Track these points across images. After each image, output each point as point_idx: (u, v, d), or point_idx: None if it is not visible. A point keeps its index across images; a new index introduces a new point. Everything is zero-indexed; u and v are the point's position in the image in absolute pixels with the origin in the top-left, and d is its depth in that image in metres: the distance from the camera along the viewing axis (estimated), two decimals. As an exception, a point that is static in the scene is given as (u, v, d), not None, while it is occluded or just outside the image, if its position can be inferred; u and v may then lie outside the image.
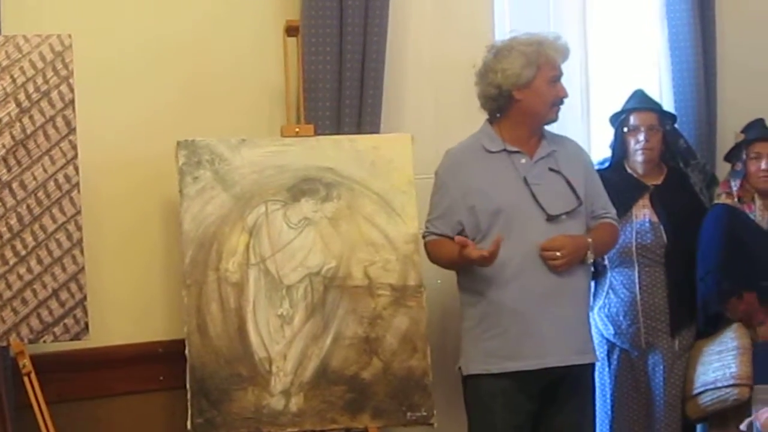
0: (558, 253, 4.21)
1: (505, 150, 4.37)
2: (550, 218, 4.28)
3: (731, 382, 4.66)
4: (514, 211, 4.27)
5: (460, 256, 4.21)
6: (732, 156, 5.10)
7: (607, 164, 5.07)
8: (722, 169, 5.44)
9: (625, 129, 5.04)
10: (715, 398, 4.71)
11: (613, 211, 4.54)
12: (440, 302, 4.96)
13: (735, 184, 5.00)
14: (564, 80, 4.42)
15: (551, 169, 4.37)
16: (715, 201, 5.09)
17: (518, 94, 4.33)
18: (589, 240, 4.30)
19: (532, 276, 4.24)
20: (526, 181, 4.31)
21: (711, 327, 4.87)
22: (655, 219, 4.91)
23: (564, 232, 4.27)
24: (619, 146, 5.09)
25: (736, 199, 4.98)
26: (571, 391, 4.32)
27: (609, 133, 5.18)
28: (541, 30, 4.51)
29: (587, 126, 5.63)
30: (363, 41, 4.84)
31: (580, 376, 4.36)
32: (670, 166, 5.14)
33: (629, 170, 5.05)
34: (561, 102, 4.40)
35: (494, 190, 4.31)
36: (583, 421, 4.41)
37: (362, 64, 4.85)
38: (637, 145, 5.00)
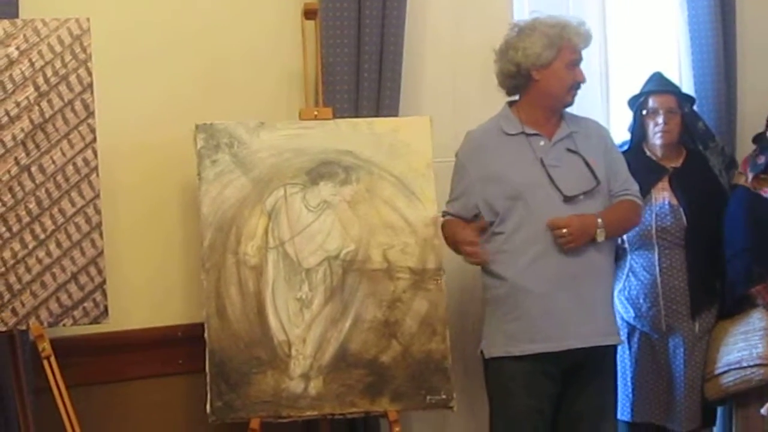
0: (564, 230, 4.20)
1: (523, 132, 4.36)
2: (567, 199, 4.26)
3: (757, 362, 4.65)
4: (532, 194, 4.26)
5: (457, 241, 4.29)
6: (758, 140, 5.08)
7: (626, 147, 5.04)
8: (742, 151, 5.44)
9: (644, 112, 5.02)
10: (738, 378, 4.70)
11: (635, 187, 4.50)
12: (459, 285, 4.95)
13: (751, 173, 4.97)
14: (583, 63, 4.40)
15: (570, 150, 4.36)
16: (734, 181, 5.07)
17: (536, 74, 4.32)
18: (599, 219, 4.27)
19: (552, 257, 4.23)
20: (542, 163, 4.30)
21: (737, 307, 4.85)
22: (674, 201, 4.89)
23: (582, 212, 4.26)
24: (638, 129, 5.07)
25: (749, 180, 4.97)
26: (593, 374, 4.31)
27: (628, 116, 5.16)
28: (561, 13, 4.48)
29: (607, 109, 5.62)
30: (381, 24, 4.83)
31: (603, 358, 4.35)
32: (689, 148, 5.12)
33: (648, 153, 5.03)
34: (578, 87, 4.39)
35: (512, 173, 4.30)
36: (604, 403, 4.40)
37: (381, 46, 4.84)
38: (656, 127, 4.98)
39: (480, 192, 4.34)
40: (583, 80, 4.40)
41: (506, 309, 4.29)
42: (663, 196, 4.92)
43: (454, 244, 4.37)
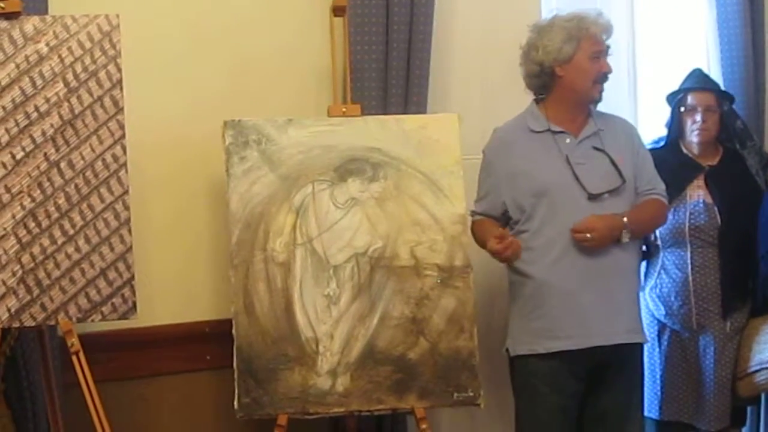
0: (588, 235, 4.18)
1: (549, 130, 4.35)
2: (592, 197, 4.25)
3: None
4: (557, 192, 4.25)
5: (485, 240, 4.26)
6: None
7: (662, 143, 5.01)
8: (771, 149, 5.41)
9: (682, 108, 4.96)
10: (769, 378, 4.69)
11: (661, 186, 4.48)
12: (487, 283, 4.94)
13: None
14: (611, 59, 4.38)
15: (596, 148, 4.34)
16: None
17: (560, 71, 4.30)
18: (624, 219, 4.25)
19: (577, 256, 4.22)
20: (568, 161, 4.28)
21: (768, 305, 4.84)
22: (709, 200, 4.84)
23: (607, 211, 4.24)
24: (675, 126, 5.01)
25: None
26: (618, 372, 4.30)
27: (656, 113, 5.13)
28: (588, 8, 4.45)
29: (634, 106, 5.60)
30: (410, 21, 4.82)
31: (629, 356, 4.33)
32: (726, 147, 5.06)
33: (685, 150, 4.98)
34: (604, 78, 4.35)
35: (537, 171, 4.30)
36: (629, 402, 4.38)
37: (409, 44, 4.84)
38: (693, 125, 4.93)
39: (506, 189, 4.34)
40: (609, 70, 4.36)
41: (531, 307, 4.29)
42: (698, 194, 4.87)
43: (483, 244, 4.36)
